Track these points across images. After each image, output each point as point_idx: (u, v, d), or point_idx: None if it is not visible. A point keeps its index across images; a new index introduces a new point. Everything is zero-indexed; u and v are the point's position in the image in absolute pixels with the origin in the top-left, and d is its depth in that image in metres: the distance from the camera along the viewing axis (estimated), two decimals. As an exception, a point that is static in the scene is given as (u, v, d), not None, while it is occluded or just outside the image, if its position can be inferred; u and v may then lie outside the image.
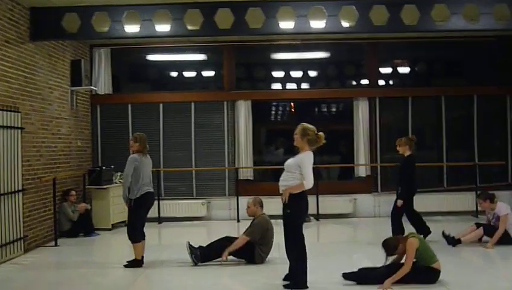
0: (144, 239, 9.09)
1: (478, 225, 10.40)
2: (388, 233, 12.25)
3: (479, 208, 11.97)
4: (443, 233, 10.35)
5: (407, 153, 10.37)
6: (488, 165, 14.29)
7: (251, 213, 9.29)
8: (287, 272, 7.70)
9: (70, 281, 8.41)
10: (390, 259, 7.63)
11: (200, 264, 8.88)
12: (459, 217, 13.12)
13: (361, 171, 14.25)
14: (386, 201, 13.93)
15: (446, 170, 14.35)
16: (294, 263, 7.47)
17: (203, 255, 8.95)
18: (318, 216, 13.61)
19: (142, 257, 9.09)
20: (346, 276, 7.66)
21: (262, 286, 7.74)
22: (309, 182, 7.25)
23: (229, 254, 8.92)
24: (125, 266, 8.95)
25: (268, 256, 9.11)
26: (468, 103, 14.56)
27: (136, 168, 8.80)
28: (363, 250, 8.92)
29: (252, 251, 8.95)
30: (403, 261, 7.58)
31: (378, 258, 8.92)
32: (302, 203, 7.43)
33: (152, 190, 9.05)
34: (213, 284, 7.93)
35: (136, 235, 8.94)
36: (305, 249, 7.44)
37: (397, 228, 10.26)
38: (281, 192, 7.45)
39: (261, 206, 9.31)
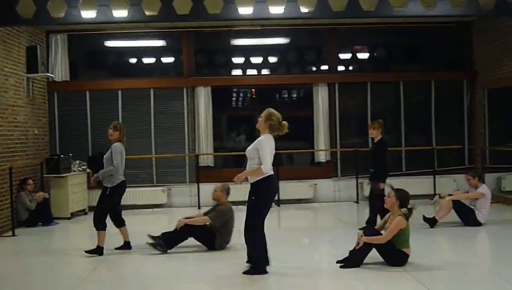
0: (123, 225, 9.15)
1: (439, 195, 10.86)
2: (350, 217, 12.45)
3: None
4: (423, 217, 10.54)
5: (379, 136, 10.44)
6: (445, 149, 14.51)
7: (216, 197, 9.28)
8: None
9: (29, 271, 8.31)
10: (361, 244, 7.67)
11: (169, 251, 8.84)
12: (418, 200, 13.20)
13: (321, 156, 14.34)
14: (346, 186, 14.20)
15: (405, 154, 14.52)
16: (252, 249, 7.46)
17: (168, 240, 8.90)
18: (279, 202, 13.65)
19: (128, 242, 9.14)
20: (345, 265, 7.67)
21: (226, 273, 7.73)
22: (266, 166, 7.17)
23: (188, 233, 8.87)
24: (88, 251, 8.84)
25: (230, 243, 9.11)
26: (426, 88, 14.71)
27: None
28: (324, 234, 9.00)
29: (212, 238, 8.94)
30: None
31: (338, 242, 9.03)
32: (267, 190, 7.37)
33: (124, 178, 9.01)
34: (176, 272, 7.90)
35: (102, 223, 8.89)
36: (264, 236, 7.42)
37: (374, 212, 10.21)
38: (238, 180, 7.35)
39: (227, 193, 9.31)
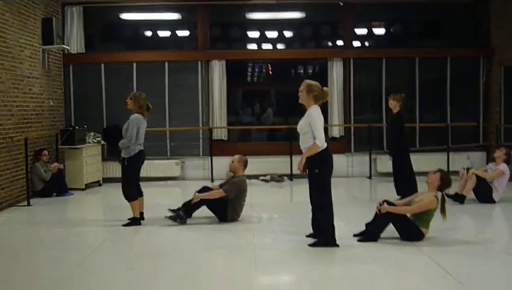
0: (141, 196, 9.19)
1: (467, 170, 10.66)
2: (362, 193, 12.47)
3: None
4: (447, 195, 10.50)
5: (397, 109, 10.48)
6: (460, 127, 14.42)
7: (232, 169, 9.34)
8: (263, 231, 7.74)
9: (42, 241, 8.40)
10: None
11: (192, 220, 8.96)
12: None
13: (335, 131, 14.32)
14: (359, 162, 14.22)
15: (419, 130, 14.47)
16: (324, 220, 7.44)
17: (187, 211, 9.00)
18: (292, 176, 13.69)
19: (142, 213, 9.16)
20: (363, 239, 7.71)
21: (237, 243, 7.81)
22: (321, 139, 7.18)
23: (202, 201, 8.96)
24: (124, 225, 8.92)
25: (241, 216, 9.18)
26: (442, 64, 14.60)
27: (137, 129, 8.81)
28: (336, 209, 8.99)
29: (225, 209, 9.01)
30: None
31: (349, 218, 9.06)
32: (328, 160, 7.38)
33: (143, 149, 9.04)
34: (187, 243, 7.98)
35: (132, 194, 8.98)
36: (332, 206, 7.44)
37: (408, 185, 10.16)
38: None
39: (245, 166, 9.36)
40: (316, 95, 7.39)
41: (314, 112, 7.30)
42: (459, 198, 10.37)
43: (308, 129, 7.28)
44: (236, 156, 9.43)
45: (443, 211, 7.65)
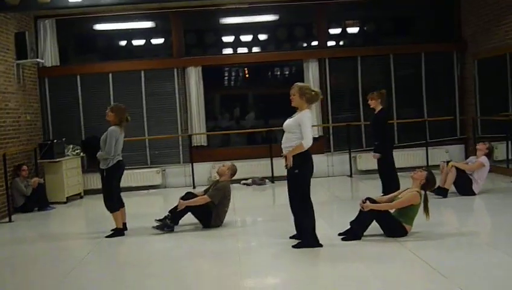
0: (123, 206, 9.14)
1: (447, 163, 10.79)
2: (343, 192, 12.54)
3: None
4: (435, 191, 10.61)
5: (379, 107, 10.40)
6: (437, 121, 14.56)
7: (220, 172, 9.39)
8: (247, 235, 7.77)
9: (26, 256, 8.34)
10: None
11: (176, 227, 8.98)
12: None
13: (314, 131, 14.35)
14: (339, 161, 14.30)
15: (397, 127, 14.57)
16: (304, 222, 7.49)
17: (173, 218, 9.00)
18: (273, 178, 13.74)
19: (124, 223, 9.12)
20: (346, 238, 7.76)
21: (222, 249, 7.82)
22: (308, 141, 7.23)
23: (187, 208, 8.96)
24: (108, 236, 8.88)
25: (224, 221, 9.20)
26: (416, 60, 14.73)
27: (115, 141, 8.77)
28: (318, 209, 9.03)
29: (209, 215, 9.02)
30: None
31: (331, 217, 9.11)
32: (308, 162, 7.42)
33: (121, 159, 8.99)
34: (172, 251, 7.98)
35: (114, 205, 8.94)
36: (312, 207, 7.49)
37: (390, 183, 10.13)
38: (284, 154, 7.44)
39: (232, 174, 9.41)
40: (308, 97, 7.42)
41: (305, 116, 7.34)
42: (442, 192, 10.45)
43: (296, 130, 7.32)
44: (228, 163, 9.55)
45: (426, 210, 7.72)
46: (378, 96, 10.39)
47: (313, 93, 7.47)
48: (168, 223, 8.94)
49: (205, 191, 9.34)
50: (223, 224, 9.15)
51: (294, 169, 7.35)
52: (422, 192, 7.80)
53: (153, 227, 8.97)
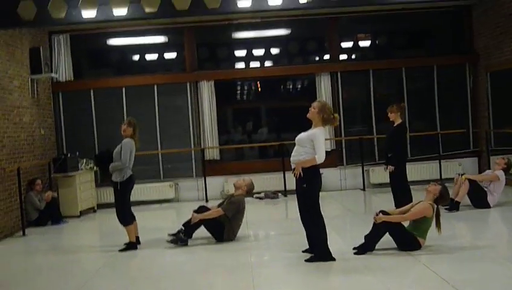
0: (135, 220, 9.16)
1: (461, 175, 10.74)
2: (356, 205, 12.51)
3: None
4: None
5: (398, 120, 10.28)
6: (450, 134, 14.52)
7: (237, 185, 9.42)
8: (260, 249, 7.77)
9: (39, 270, 8.40)
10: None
11: (189, 241, 8.99)
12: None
13: (327, 145, 14.35)
14: (352, 174, 14.27)
15: (410, 140, 14.49)
16: (316, 235, 7.51)
17: (187, 232, 9.03)
18: (286, 192, 13.73)
19: (137, 237, 9.15)
20: (358, 251, 7.75)
21: (235, 263, 7.82)
22: (321, 157, 7.27)
23: (200, 222, 8.98)
24: (121, 250, 8.91)
25: (237, 235, 9.20)
26: (428, 73, 14.73)
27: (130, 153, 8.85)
28: (331, 223, 9.04)
29: (221, 229, 9.02)
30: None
31: (344, 231, 9.09)
32: (318, 177, 7.46)
33: (132, 173, 9.04)
34: (185, 265, 7.99)
35: (127, 218, 8.98)
36: (324, 221, 7.51)
37: (403, 197, 9.99)
38: (292, 167, 7.47)
39: (248, 191, 9.46)
40: (325, 117, 7.46)
41: (318, 134, 7.37)
42: (453, 205, 10.41)
43: (307, 145, 7.36)
44: (248, 179, 9.57)
45: (438, 224, 7.71)
46: (398, 109, 10.29)
47: (332, 116, 7.51)
48: (182, 237, 8.96)
49: (219, 205, 9.36)
50: (236, 238, 9.15)
51: (303, 184, 7.39)
52: (435, 205, 7.78)
53: (167, 241, 8.99)
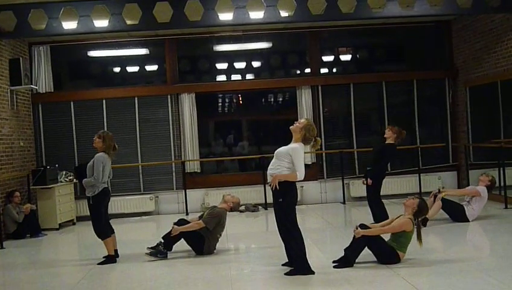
0: (113, 233, 9.10)
1: (435, 197, 10.74)
2: (337, 218, 12.54)
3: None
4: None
5: (390, 141, 10.32)
6: (429, 148, 14.64)
7: (226, 199, 9.36)
8: (240, 262, 7.77)
9: (17, 283, 8.30)
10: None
11: (159, 257, 8.91)
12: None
13: (307, 158, 14.39)
14: (332, 187, 14.31)
15: (389, 153, 14.60)
16: (294, 248, 7.50)
17: (166, 245, 8.98)
18: (266, 205, 13.72)
19: (116, 250, 9.08)
20: (338, 265, 7.74)
21: (215, 276, 7.80)
22: (301, 174, 7.28)
23: (180, 234, 8.95)
24: (100, 263, 8.84)
25: (216, 248, 9.18)
26: (408, 87, 14.86)
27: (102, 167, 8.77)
28: (311, 235, 9.09)
29: (201, 242, 8.99)
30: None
31: (324, 244, 9.10)
32: (293, 190, 7.45)
33: (107, 186, 8.99)
34: (165, 278, 7.95)
35: (104, 231, 8.92)
36: (301, 234, 7.50)
37: (379, 211, 10.11)
38: (269, 179, 7.45)
39: (232, 208, 9.42)
40: (307, 136, 7.44)
41: (298, 150, 7.36)
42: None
43: (285, 159, 7.34)
44: (238, 198, 9.56)
45: (419, 237, 7.74)
46: (397, 132, 10.29)
47: (313, 138, 7.52)
48: (161, 250, 8.91)
49: (200, 217, 9.33)
50: (216, 251, 9.12)
51: (279, 198, 7.39)
52: (415, 221, 7.82)
53: (146, 254, 8.94)
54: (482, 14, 12.49)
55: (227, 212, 9.30)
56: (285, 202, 7.39)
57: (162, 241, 9.01)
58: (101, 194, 8.80)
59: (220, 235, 9.24)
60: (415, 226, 7.76)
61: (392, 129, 10.36)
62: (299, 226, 7.53)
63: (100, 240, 8.96)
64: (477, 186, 10.87)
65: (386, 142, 10.38)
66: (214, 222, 9.00)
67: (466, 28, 14.06)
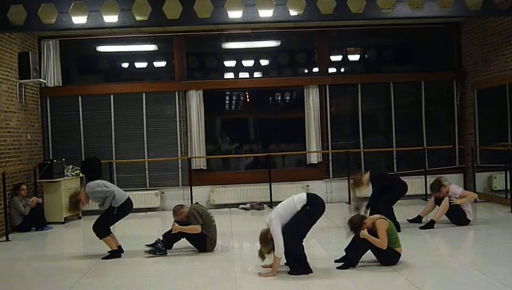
0: (110, 232, 9.19)
1: (436, 199, 10.79)
2: (343, 218, 12.50)
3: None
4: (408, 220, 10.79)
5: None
6: (436, 149, 14.62)
7: (184, 219, 9.11)
8: (244, 260, 7.86)
9: (23, 276, 8.35)
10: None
11: (173, 251, 8.97)
12: (410, 200, 13.36)
13: (313, 158, 14.42)
14: (338, 187, 14.29)
15: (396, 154, 14.61)
16: (296, 249, 7.58)
17: (167, 243, 9.02)
18: (272, 204, 13.72)
19: (119, 246, 9.14)
20: (342, 266, 7.75)
21: (219, 273, 7.81)
22: (280, 250, 7.46)
23: (180, 234, 8.97)
24: (105, 258, 8.92)
25: (221, 245, 9.19)
26: (416, 88, 14.83)
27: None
28: (316, 235, 9.08)
29: (203, 240, 9.02)
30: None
31: (329, 244, 9.10)
32: (321, 206, 7.77)
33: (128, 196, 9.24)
34: (168, 273, 7.97)
35: (103, 232, 9.02)
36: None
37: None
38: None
39: (179, 210, 9.25)
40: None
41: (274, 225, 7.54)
42: (418, 220, 10.72)
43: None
44: (173, 215, 9.34)
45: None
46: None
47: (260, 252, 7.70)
48: (160, 247, 8.94)
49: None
50: (220, 249, 9.14)
51: (307, 206, 7.51)
52: (380, 220, 7.87)
53: (145, 251, 8.98)
54: (491, 16, 12.45)
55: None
56: (310, 211, 7.55)
57: (161, 238, 9.04)
58: (125, 205, 9.01)
59: (215, 224, 9.23)
60: (384, 219, 7.86)
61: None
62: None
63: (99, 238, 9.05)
64: (453, 193, 10.69)
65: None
66: (198, 217, 8.96)
67: (475, 30, 14.04)
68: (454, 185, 10.98)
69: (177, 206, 9.35)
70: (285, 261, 7.80)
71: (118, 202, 8.91)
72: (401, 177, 10.99)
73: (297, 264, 7.57)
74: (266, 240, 7.62)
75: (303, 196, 7.68)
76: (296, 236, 7.53)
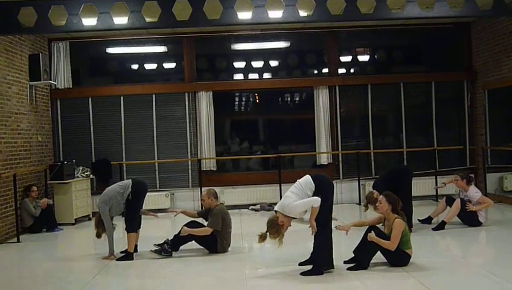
0: (139, 227, 9.26)
1: (448, 199, 10.78)
2: (352, 219, 12.47)
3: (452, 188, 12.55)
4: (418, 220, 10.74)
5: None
6: (447, 150, 14.56)
7: (207, 205, 9.26)
8: (254, 261, 7.83)
9: (33, 277, 8.38)
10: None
11: (174, 253, 8.97)
12: (420, 201, 13.30)
13: (323, 159, 14.39)
14: (348, 188, 14.26)
15: (406, 155, 14.56)
16: (319, 248, 7.61)
17: (173, 244, 9.02)
18: (282, 205, 13.70)
19: (136, 245, 9.16)
20: (353, 268, 7.74)
21: (229, 275, 7.81)
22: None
23: (190, 237, 8.98)
24: (119, 259, 8.92)
25: (231, 246, 9.19)
26: (426, 89, 14.78)
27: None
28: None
29: (214, 242, 9.01)
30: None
31: (339, 246, 9.08)
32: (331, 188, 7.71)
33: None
34: (179, 273, 7.97)
35: (134, 225, 9.08)
36: (331, 235, 7.67)
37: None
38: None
39: (216, 197, 9.35)
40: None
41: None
42: (429, 220, 10.71)
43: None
44: (204, 193, 9.43)
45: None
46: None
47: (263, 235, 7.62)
48: (166, 248, 8.94)
49: (199, 213, 9.42)
50: (230, 249, 9.14)
51: (318, 193, 7.48)
52: (399, 215, 7.83)
53: (151, 251, 8.99)
54: (502, 16, 12.38)
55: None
56: (323, 196, 7.46)
57: (169, 239, 9.05)
58: (135, 187, 9.04)
59: (230, 229, 9.24)
60: (403, 219, 7.80)
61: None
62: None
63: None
64: (470, 195, 10.62)
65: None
66: (217, 222, 8.99)
67: (485, 30, 13.98)
68: (474, 187, 10.77)
69: (213, 191, 9.41)
70: (300, 262, 7.80)
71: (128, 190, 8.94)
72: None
73: (315, 262, 7.56)
74: (275, 225, 7.54)
75: (309, 180, 7.59)
76: (322, 222, 7.50)
